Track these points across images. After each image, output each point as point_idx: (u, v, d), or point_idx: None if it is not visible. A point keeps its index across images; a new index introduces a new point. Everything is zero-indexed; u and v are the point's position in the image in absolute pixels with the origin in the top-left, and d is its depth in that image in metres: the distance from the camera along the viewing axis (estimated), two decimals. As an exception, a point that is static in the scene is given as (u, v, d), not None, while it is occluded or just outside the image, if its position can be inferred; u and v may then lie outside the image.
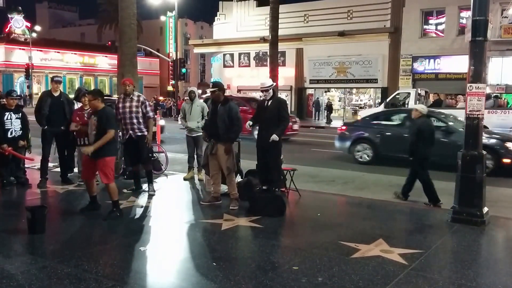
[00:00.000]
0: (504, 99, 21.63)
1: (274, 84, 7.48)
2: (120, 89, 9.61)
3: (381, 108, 18.87)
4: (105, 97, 6.72)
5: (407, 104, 17.92)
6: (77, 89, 10.01)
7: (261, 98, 7.46)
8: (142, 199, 7.32)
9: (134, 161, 7.86)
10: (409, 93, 18.50)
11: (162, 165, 9.61)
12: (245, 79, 34.04)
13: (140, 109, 7.60)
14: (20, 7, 40.63)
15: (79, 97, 8.61)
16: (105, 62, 47.16)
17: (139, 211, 6.72)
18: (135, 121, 7.57)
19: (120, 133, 7.68)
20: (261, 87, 7.13)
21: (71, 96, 9.19)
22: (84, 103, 8.24)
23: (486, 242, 5.78)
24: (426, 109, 8.06)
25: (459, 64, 24.18)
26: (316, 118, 31.16)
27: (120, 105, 7.72)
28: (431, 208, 7.39)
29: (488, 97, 18.19)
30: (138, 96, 7.76)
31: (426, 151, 7.60)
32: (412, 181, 7.77)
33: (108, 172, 6.19)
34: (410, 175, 7.78)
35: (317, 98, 31.99)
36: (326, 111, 30.10)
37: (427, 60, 27.51)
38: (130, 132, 7.60)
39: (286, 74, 31.16)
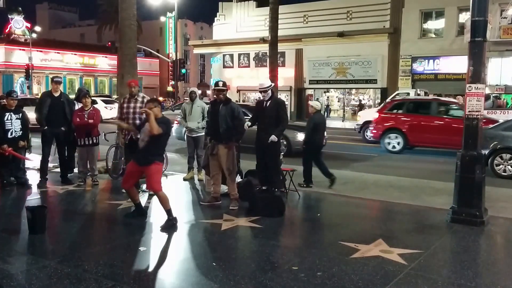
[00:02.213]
0: (504, 99, 21.65)
1: (273, 84, 7.50)
2: (121, 89, 9.66)
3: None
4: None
5: None
6: (78, 90, 10.04)
7: (260, 99, 7.48)
8: (142, 199, 7.30)
9: None
10: (408, 94, 18.50)
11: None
12: (244, 80, 34.04)
13: None
14: (20, 8, 40.59)
15: (80, 98, 8.64)
16: (105, 62, 47.12)
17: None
18: (137, 122, 7.59)
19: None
20: (259, 88, 7.15)
21: (72, 96, 9.22)
22: (85, 104, 8.28)
23: (485, 242, 5.79)
24: (320, 105, 9.20)
25: (459, 64, 24.19)
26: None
27: (125, 105, 7.83)
28: (307, 188, 8.47)
29: (487, 97, 18.20)
30: (143, 97, 7.84)
31: (321, 141, 8.87)
32: (309, 168, 8.70)
33: (158, 179, 5.98)
34: (305, 163, 8.68)
35: (317, 98, 31.99)
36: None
37: (427, 60, 27.52)
38: (132, 132, 7.63)
39: (286, 74, 31.15)
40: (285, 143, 12.80)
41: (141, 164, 5.95)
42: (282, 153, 12.43)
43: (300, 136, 12.84)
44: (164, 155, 6.30)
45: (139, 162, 5.98)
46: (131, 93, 7.84)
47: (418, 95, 18.60)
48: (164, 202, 5.94)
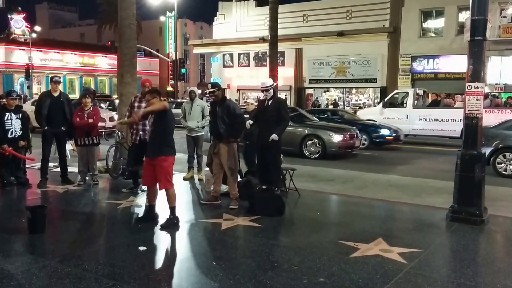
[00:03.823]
0: (502, 98, 21.62)
1: (275, 84, 7.51)
2: (121, 89, 9.66)
3: (379, 107, 18.90)
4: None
5: (406, 103, 17.98)
6: (85, 89, 10.14)
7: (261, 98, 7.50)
8: (142, 199, 7.33)
9: (138, 162, 7.84)
10: (407, 93, 18.52)
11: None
12: (244, 79, 34.03)
13: None
14: (20, 8, 40.57)
15: (80, 98, 8.67)
16: (104, 62, 47.10)
17: (138, 211, 6.73)
18: (147, 122, 7.56)
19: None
20: (261, 87, 7.17)
21: (71, 96, 9.22)
22: (84, 103, 8.29)
23: (485, 241, 5.80)
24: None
25: (458, 63, 24.17)
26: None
27: (136, 104, 7.75)
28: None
29: (485, 96, 18.18)
30: None
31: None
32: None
33: (167, 176, 5.85)
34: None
35: (316, 98, 32.00)
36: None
37: (426, 60, 27.51)
38: (141, 133, 7.59)
39: (286, 74, 31.14)
40: (318, 144, 12.65)
41: (152, 157, 5.88)
42: (316, 155, 12.49)
43: (336, 138, 12.64)
44: (174, 148, 6.06)
45: (149, 155, 5.95)
46: (144, 93, 7.72)
47: (417, 94, 18.59)
48: (171, 199, 5.91)
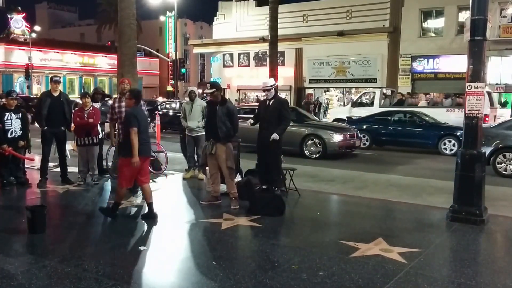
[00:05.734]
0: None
1: (276, 84, 7.52)
2: (118, 88, 9.66)
3: (347, 108, 19.56)
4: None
5: (373, 103, 18.61)
6: (94, 89, 10.16)
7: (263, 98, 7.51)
8: (142, 199, 7.32)
9: None
10: (374, 93, 19.31)
11: (162, 164, 9.63)
12: (244, 79, 34.00)
13: None
14: (19, 8, 40.58)
15: (80, 98, 8.68)
16: (104, 62, 47.10)
17: (139, 211, 6.72)
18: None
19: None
20: (263, 86, 7.18)
21: (71, 96, 9.22)
22: (84, 103, 8.29)
23: (485, 241, 5.80)
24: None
25: (458, 63, 24.17)
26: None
27: (116, 104, 7.82)
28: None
29: (446, 96, 18.85)
30: None
31: None
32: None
33: (125, 174, 6.09)
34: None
35: (317, 98, 31.99)
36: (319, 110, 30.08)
37: (426, 59, 27.49)
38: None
39: (286, 74, 31.12)
40: (319, 143, 12.68)
41: (122, 155, 6.20)
42: (317, 155, 12.55)
43: (337, 137, 12.70)
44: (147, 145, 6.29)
45: (123, 155, 6.21)
46: (122, 91, 7.78)
47: (384, 94, 19.09)
48: (118, 196, 6.26)
